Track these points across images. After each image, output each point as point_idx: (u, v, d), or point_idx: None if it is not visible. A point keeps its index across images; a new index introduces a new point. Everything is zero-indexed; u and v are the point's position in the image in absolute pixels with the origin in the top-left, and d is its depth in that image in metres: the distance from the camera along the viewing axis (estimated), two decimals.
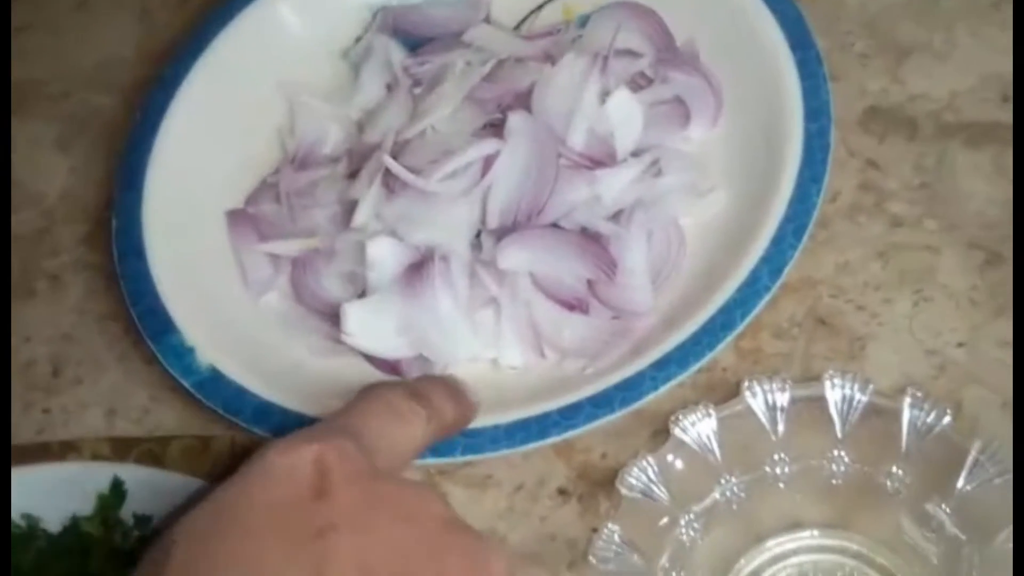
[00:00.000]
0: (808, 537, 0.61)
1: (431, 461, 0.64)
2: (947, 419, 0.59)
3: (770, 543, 0.61)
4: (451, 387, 0.60)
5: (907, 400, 0.60)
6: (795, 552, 0.61)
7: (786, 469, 0.61)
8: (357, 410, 0.55)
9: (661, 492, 0.60)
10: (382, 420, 0.55)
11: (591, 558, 0.59)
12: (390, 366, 0.69)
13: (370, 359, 0.70)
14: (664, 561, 0.59)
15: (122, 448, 0.67)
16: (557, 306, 0.68)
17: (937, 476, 0.59)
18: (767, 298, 0.64)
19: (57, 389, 0.73)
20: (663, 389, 0.63)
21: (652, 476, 0.60)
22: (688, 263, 0.70)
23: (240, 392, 0.67)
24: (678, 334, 0.65)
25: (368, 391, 0.56)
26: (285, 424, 0.66)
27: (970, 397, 0.64)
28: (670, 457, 0.61)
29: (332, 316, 0.70)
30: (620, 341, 0.67)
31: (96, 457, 0.67)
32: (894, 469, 0.60)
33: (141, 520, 0.65)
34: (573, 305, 0.68)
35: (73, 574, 0.63)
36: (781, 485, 0.61)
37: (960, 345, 0.66)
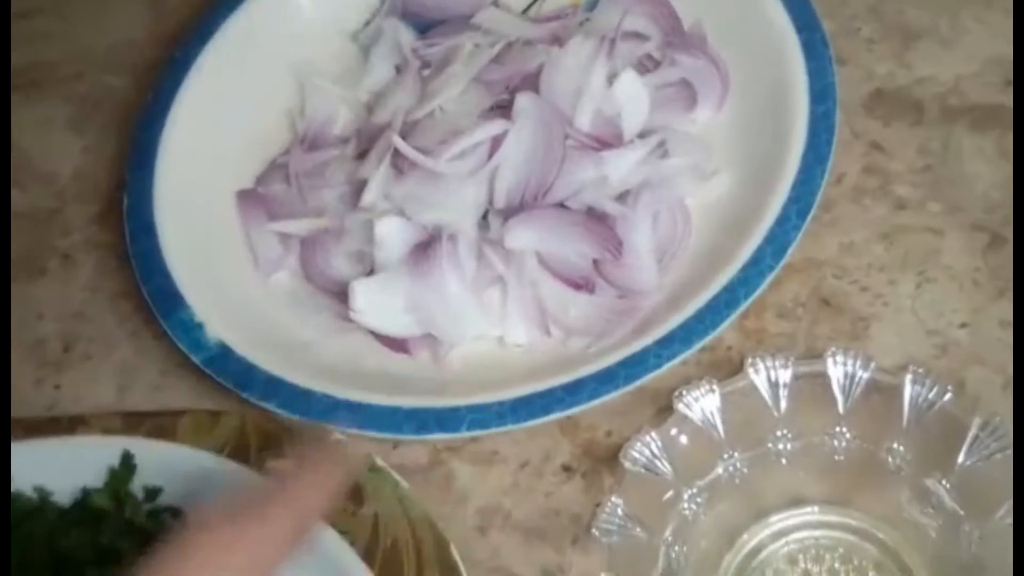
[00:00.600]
0: (809, 513, 0.62)
1: (438, 437, 0.65)
2: (948, 396, 0.60)
3: (772, 519, 0.62)
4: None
5: (909, 377, 0.60)
6: (797, 528, 0.62)
7: (788, 445, 0.62)
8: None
9: (664, 467, 0.61)
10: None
11: (594, 532, 0.59)
12: (398, 344, 0.70)
13: (378, 337, 0.70)
14: (667, 535, 0.60)
15: (132, 422, 0.68)
16: (563, 285, 0.69)
17: (938, 452, 0.59)
18: (770, 278, 0.65)
19: (68, 365, 0.74)
20: (667, 367, 0.64)
21: (656, 451, 0.60)
22: (693, 243, 0.70)
23: (249, 368, 0.68)
24: (682, 312, 0.65)
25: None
26: (293, 399, 0.66)
27: (972, 377, 0.65)
28: (674, 432, 0.61)
29: (341, 294, 0.70)
30: (625, 320, 0.67)
31: (107, 431, 0.68)
32: (895, 445, 0.60)
33: (151, 493, 0.65)
34: (579, 284, 0.69)
35: (83, 546, 0.64)
36: (783, 461, 0.62)
37: (963, 326, 0.67)
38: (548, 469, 0.66)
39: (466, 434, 0.64)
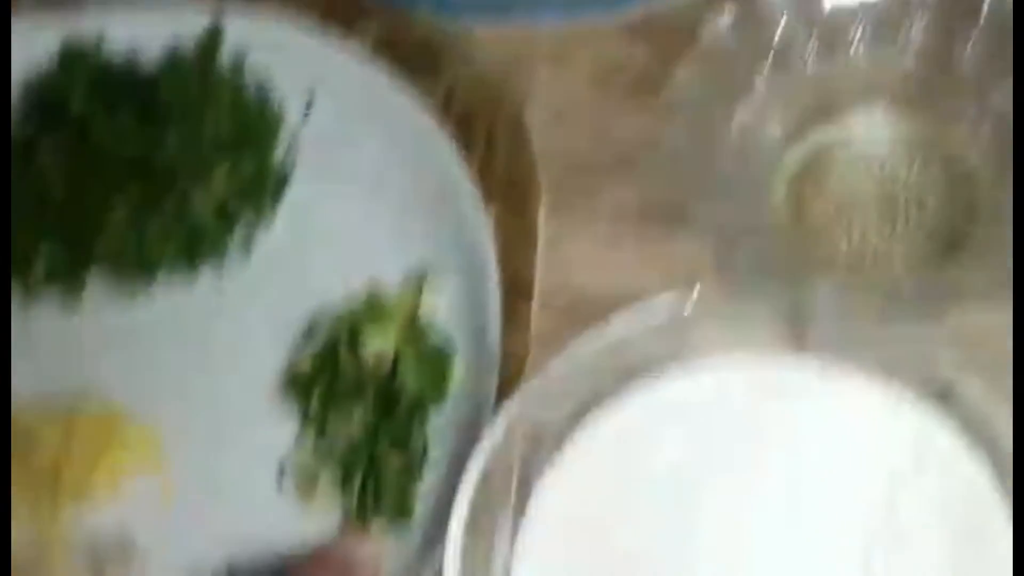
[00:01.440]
0: (879, 115, 0.63)
1: (515, 23, 0.67)
2: None
3: (841, 118, 0.63)
4: None
5: None
6: (864, 129, 0.63)
7: (862, 45, 0.62)
8: None
9: (739, 43, 0.61)
10: None
11: (669, 103, 0.60)
12: None
13: None
14: (738, 113, 0.61)
15: None
16: None
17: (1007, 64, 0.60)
18: None
19: None
20: None
21: (732, 29, 0.61)
22: None
23: None
24: None
25: None
26: None
27: None
28: (751, 12, 0.61)
29: None
30: None
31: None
32: (968, 49, 0.61)
33: (238, 61, 0.68)
34: None
35: (172, 96, 0.66)
36: (857, 59, 0.63)
37: None
38: (627, 57, 0.67)
39: (543, 25, 0.66)
